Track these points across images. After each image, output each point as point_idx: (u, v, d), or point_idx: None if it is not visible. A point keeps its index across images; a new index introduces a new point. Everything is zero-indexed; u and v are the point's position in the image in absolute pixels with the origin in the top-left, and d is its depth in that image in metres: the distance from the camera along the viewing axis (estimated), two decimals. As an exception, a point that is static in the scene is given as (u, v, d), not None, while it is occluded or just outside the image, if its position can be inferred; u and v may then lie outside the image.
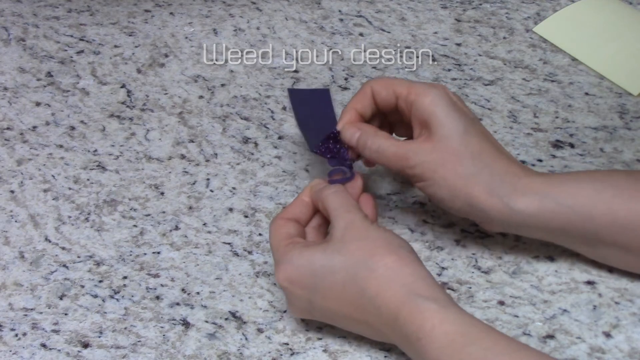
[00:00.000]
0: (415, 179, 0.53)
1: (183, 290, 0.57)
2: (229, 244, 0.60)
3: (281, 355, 0.52)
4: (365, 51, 0.76)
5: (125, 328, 0.54)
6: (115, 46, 0.78)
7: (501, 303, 0.55)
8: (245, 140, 0.68)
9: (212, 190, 0.64)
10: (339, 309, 0.49)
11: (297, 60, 0.75)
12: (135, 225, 0.61)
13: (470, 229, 0.60)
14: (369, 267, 0.47)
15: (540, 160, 0.64)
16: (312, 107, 0.60)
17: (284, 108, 0.70)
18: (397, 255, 0.48)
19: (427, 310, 0.45)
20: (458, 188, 0.51)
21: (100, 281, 0.57)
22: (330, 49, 0.76)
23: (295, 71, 0.74)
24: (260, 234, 0.60)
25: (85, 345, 0.53)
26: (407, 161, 0.52)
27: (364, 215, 0.51)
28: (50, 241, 0.60)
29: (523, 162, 0.64)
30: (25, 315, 0.55)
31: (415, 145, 0.53)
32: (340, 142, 0.57)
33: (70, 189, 0.64)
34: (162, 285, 0.57)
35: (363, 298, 0.47)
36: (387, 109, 0.56)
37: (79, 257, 0.59)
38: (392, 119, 0.58)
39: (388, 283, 0.47)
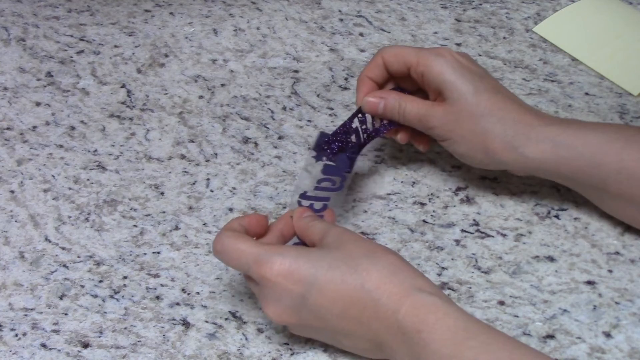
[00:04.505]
0: (437, 137, 0.58)
1: (183, 290, 0.57)
2: (229, 244, 0.60)
3: (281, 355, 0.52)
4: (365, 51, 0.76)
5: (125, 328, 0.54)
6: (115, 46, 0.78)
7: (501, 303, 0.55)
8: (245, 140, 0.68)
9: (212, 190, 0.64)
10: (332, 305, 0.47)
11: (297, 60, 0.75)
12: (135, 225, 0.61)
13: (471, 229, 0.60)
14: (371, 261, 0.48)
15: (540, 160, 0.64)
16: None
17: (284, 108, 0.70)
18: (396, 255, 0.49)
19: (431, 304, 0.46)
20: (475, 144, 0.56)
21: (100, 281, 0.57)
22: (330, 49, 0.76)
23: (295, 71, 0.74)
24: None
25: (85, 345, 0.53)
26: (428, 123, 0.57)
27: None
28: (50, 241, 0.60)
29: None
30: (25, 315, 0.55)
31: (433, 109, 0.57)
32: (345, 139, 0.58)
33: (70, 189, 0.64)
34: (162, 285, 0.57)
35: (361, 291, 0.47)
36: (399, 77, 0.60)
37: (79, 257, 0.59)
38: (405, 85, 0.61)
39: (390, 277, 0.47)
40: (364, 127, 0.59)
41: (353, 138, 0.58)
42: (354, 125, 0.59)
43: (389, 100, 0.58)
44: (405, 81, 0.60)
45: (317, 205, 0.55)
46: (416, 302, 0.46)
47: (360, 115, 0.59)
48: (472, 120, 0.56)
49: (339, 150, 0.57)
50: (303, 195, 0.56)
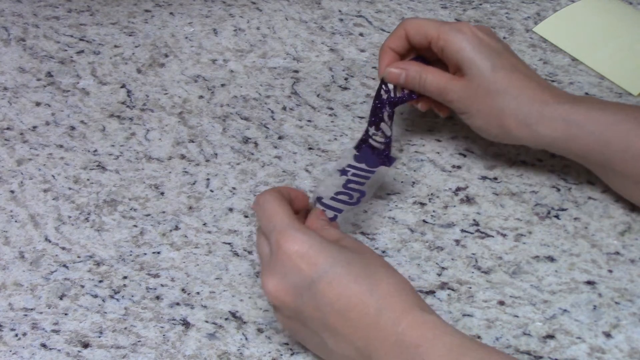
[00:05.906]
0: (455, 110, 0.61)
1: (183, 290, 0.57)
2: (229, 244, 0.60)
3: (281, 355, 0.52)
4: (365, 51, 0.76)
5: (125, 328, 0.54)
6: (115, 46, 0.78)
7: (501, 303, 0.55)
8: (245, 140, 0.68)
9: (212, 190, 0.64)
10: (336, 300, 0.47)
11: (297, 60, 0.75)
12: (135, 225, 0.61)
13: (471, 229, 0.60)
14: (386, 274, 0.48)
15: (540, 160, 0.64)
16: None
17: (284, 108, 0.70)
18: (406, 279, 0.49)
19: (430, 322, 0.46)
20: (491, 119, 0.59)
21: (100, 281, 0.57)
22: (330, 49, 0.76)
23: (295, 71, 0.74)
24: (260, 234, 0.60)
25: (85, 345, 0.53)
26: (446, 96, 0.60)
27: None
28: (50, 241, 0.60)
29: (523, 162, 0.64)
30: (25, 315, 0.55)
31: (452, 83, 0.59)
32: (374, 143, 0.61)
33: (70, 189, 0.64)
34: (162, 285, 0.57)
35: (369, 296, 0.47)
36: (421, 48, 0.62)
37: (79, 257, 0.59)
38: (426, 54, 0.63)
39: (398, 292, 0.47)
40: (388, 96, 0.61)
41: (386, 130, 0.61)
42: (384, 96, 0.61)
43: (410, 71, 0.61)
44: (427, 51, 0.62)
45: (329, 213, 0.55)
46: (417, 318, 0.46)
47: (384, 86, 0.61)
48: (489, 97, 0.58)
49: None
50: (319, 199, 0.56)
